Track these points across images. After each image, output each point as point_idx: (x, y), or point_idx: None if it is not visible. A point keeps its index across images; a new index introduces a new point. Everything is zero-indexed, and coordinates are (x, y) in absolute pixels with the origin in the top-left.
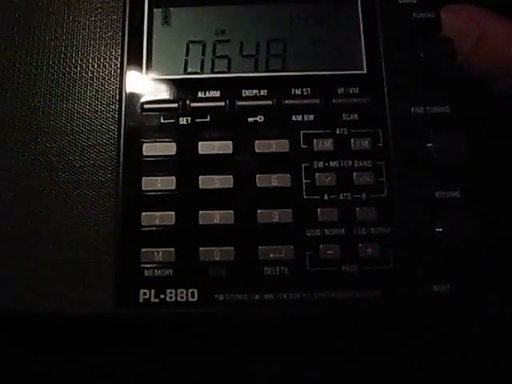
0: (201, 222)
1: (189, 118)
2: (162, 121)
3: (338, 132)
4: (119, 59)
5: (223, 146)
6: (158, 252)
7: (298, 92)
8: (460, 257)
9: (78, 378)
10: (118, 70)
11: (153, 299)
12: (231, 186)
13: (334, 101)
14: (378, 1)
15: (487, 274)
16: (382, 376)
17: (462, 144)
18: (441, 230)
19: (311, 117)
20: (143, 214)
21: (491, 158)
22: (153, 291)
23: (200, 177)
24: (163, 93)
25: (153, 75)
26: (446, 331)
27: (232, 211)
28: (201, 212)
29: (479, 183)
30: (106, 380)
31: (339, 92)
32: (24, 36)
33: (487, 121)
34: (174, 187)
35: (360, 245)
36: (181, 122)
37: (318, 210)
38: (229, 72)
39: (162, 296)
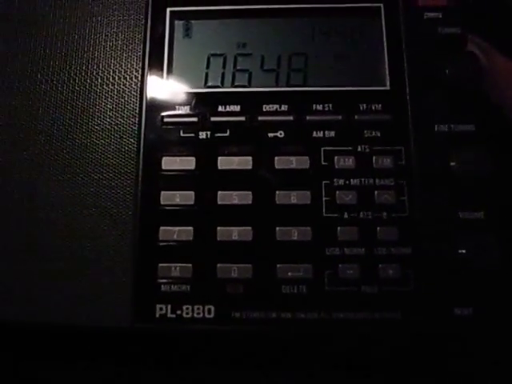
0: (219, 238)
1: (208, 133)
2: (182, 134)
3: (359, 149)
4: (140, 72)
5: (243, 162)
6: (175, 267)
7: (320, 108)
8: (483, 280)
9: None
10: (139, 83)
11: (169, 315)
12: (250, 202)
13: (355, 117)
14: (402, 15)
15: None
16: None
17: (487, 163)
18: (463, 251)
19: (332, 133)
20: (161, 228)
21: None
22: (169, 306)
23: (219, 192)
24: (183, 106)
25: (173, 88)
26: (468, 355)
27: (250, 228)
28: (219, 228)
29: (504, 204)
30: None
31: (361, 108)
32: (46, 47)
33: None
34: (192, 202)
35: (380, 265)
36: (200, 137)
37: (338, 228)
38: (249, 86)
39: (179, 312)
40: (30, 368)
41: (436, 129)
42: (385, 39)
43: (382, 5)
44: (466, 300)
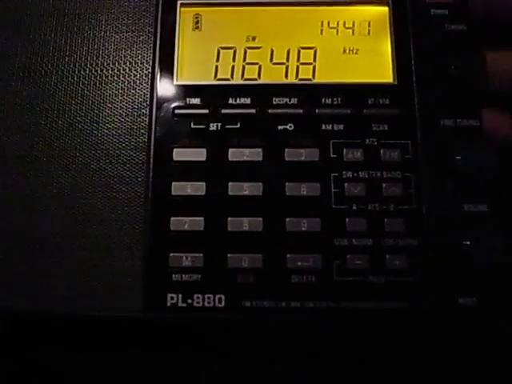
0: (230, 229)
1: (219, 124)
2: (193, 126)
3: (367, 142)
4: (150, 63)
5: (253, 154)
6: (186, 257)
7: (329, 101)
8: (487, 270)
9: (104, 379)
10: (149, 75)
11: (180, 304)
12: (260, 193)
13: (364, 111)
14: (409, 11)
15: None
16: None
17: (491, 157)
18: (468, 243)
19: (341, 126)
20: (172, 218)
21: None
22: (180, 296)
23: (229, 183)
24: (194, 98)
25: (183, 80)
26: (472, 344)
27: (261, 218)
28: (230, 219)
29: (508, 197)
30: (131, 382)
31: (369, 102)
32: (56, 38)
33: None
34: (203, 193)
35: (387, 256)
36: (211, 128)
37: (347, 219)
38: (259, 79)
39: (190, 301)
40: (39, 358)
41: (442, 123)
42: (392, 34)
43: (390, 0)
44: (471, 290)
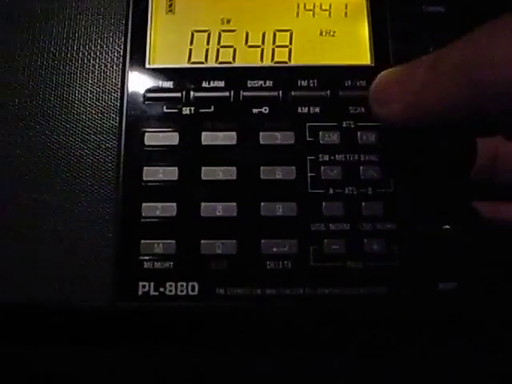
0: (203, 214)
1: (192, 108)
2: (165, 110)
3: (344, 125)
4: (122, 47)
5: (227, 137)
6: (158, 244)
7: (305, 84)
8: (467, 254)
9: (75, 371)
10: (121, 58)
11: (152, 292)
12: (234, 177)
13: (340, 93)
14: None
15: (495, 271)
16: (383, 374)
17: (468, 139)
18: (448, 226)
19: (317, 109)
20: (144, 204)
21: None
22: (152, 284)
23: (203, 168)
24: (166, 82)
25: (156, 64)
26: (451, 329)
27: (235, 203)
28: (203, 204)
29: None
30: (103, 373)
31: (346, 84)
32: (25, 21)
33: None
34: (176, 178)
35: (365, 240)
36: (184, 112)
37: (323, 203)
38: (234, 62)
39: (162, 289)
40: (6, 350)
41: None
42: (370, 16)
43: None
44: (451, 274)
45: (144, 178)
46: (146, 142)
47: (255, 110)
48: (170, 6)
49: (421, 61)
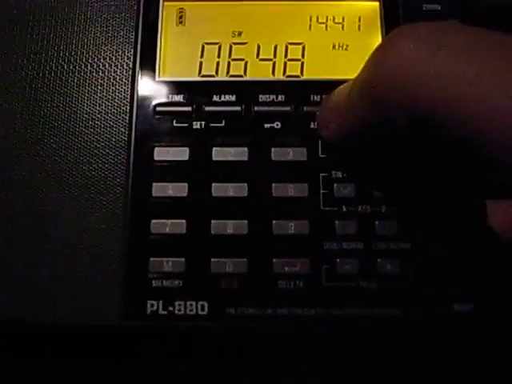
0: (213, 232)
1: (203, 123)
2: (175, 124)
3: None
4: (132, 59)
5: (238, 153)
6: (167, 262)
7: (317, 99)
8: (483, 275)
9: None
10: (131, 71)
11: (161, 311)
12: (246, 194)
13: None
14: (401, 6)
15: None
16: None
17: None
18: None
19: None
20: (153, 221)
21: None
22: (161, 303)
23: (213, 184)
24: (177, 95)
25: (166, 77)
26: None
27: (246, 221)
28: (213, 221)
29: None
30: None
31: None
32: (34, 33)
33: None
34: (185, 194)
35: (379, 260)
36: (194, 127)
37: (336, 222)
38: (245, 76)
39: (171, 308)
40: (11, 368)
41: None
42: (383, 30)
43: None
44: (467, 295)
45: (153, 194)
46: (156, 157)
47: (267, 125)
48: (181, 17)
49: (348, 83)
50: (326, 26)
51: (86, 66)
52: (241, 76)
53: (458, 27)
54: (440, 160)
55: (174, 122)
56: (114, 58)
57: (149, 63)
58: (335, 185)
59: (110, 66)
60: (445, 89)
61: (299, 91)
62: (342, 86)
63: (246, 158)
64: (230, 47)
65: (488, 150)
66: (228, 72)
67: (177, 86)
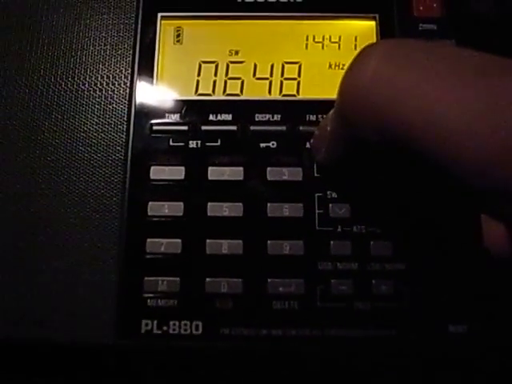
0: (208, 252)
1: (199, 142)
2: (171, 143)
3: None
4: (129, 78)
5: (234, 172)
6: (162, 281)
7: (313, 118)
8: (478, 296)
9: None
10: (128, 89)
11: (155, 331)
12: (241, 214)
13: None
14: (397, 26)
15: (506, 313)
16: None
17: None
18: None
19: None
20: (148, 240)
21: None
22: (155, 322)
23: (209, 203)
24: (173, 114)
25: (163, 95)
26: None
27: (241, 241)
28: (208, 241)
29: None
30: None
31: None
32: (32, 51)
33: None
34: (181, 213)
35: (373, 281)
36: (190, 146)
37: (331, 242)
38: (241, 95)
39: (165, 328)
40: None
41: None
42: None
43: (377, 15)
44: (461, 317)
45: (149, 213)
46: (152, 176)
47: (263, 145)
48: (178, 36)
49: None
50: (323, 45)
51: (83, 84)
52: (237, 95)
53: (430, 45)
54: (424, 178)
55: (171, 140)
56: (111, 76)
57: (146, 82)
58: (330, 205)
59: (108, 84)
60: (405, 110)
61: (295, 111)
62: (331, 110)
63: (241, 178)
64: (227, 66)
65: (459, 174)
66: (225, 91)
67: (173, 105)
